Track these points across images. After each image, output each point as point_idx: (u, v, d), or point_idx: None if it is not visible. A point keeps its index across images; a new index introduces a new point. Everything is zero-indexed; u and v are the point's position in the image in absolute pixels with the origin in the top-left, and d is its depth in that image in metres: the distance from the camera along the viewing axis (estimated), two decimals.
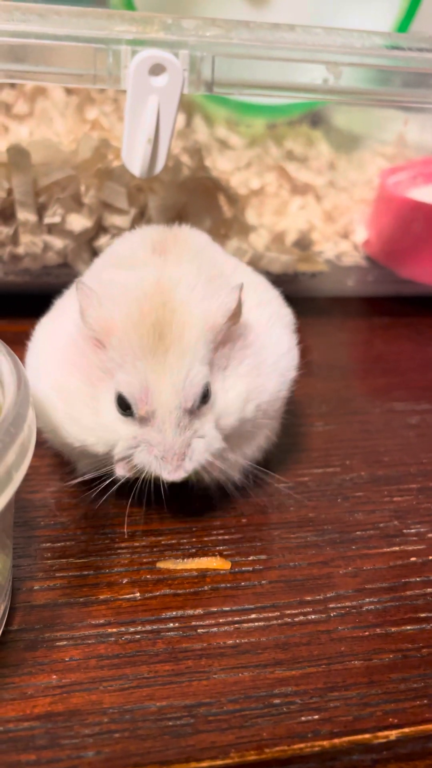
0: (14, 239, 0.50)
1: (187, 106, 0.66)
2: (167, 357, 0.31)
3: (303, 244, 0.59)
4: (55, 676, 0.28)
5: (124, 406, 0.32)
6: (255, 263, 0.55)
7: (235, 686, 0.28)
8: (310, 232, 0.61)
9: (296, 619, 0.32)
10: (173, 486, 0.36)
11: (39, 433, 0.37)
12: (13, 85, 0.62)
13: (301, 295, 0.59)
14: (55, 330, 0.37)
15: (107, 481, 0.34)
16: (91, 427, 0.33)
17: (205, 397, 0.32)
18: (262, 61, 0.44)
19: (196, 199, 0.51)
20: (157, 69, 0.41)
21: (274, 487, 0.39)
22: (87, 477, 0.35)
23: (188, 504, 0.37)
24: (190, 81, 0.43)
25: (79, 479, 0.36)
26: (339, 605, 0.32)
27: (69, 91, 0.62)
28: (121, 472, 0.34)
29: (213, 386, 0.33)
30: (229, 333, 0.34)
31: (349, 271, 0.61)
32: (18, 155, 0.48)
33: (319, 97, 0.47)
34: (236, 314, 0.34)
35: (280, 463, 0.41)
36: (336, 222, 0.63)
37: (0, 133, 0.58)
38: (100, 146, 0.50)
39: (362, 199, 0.64)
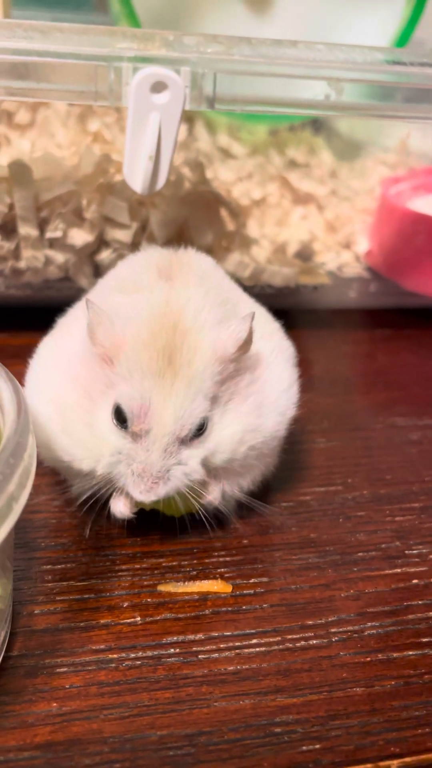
0: (16, 253, 0.50)
1: (189, 114, 0.66)
2: (174, 381, 0.31)
3: (305, 254, 0.59)
4: (55, 704, 0.28)
5: (120, 418, 0.32)
6: (257, 276, 0.55)
7: (236, 714, 0.28)
8: (312, 242, 0.61)
9: (297, 644, 0.31)
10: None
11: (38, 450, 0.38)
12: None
13: (303, 307, 0.59)
14: (57, 348, 0.37)
15: (104, 500, 0.34)
16: (81, 439, 0.33)
17: (200, 429, 0.32)
18: (264, 77, 0.43)
19: (197, 213, 0.51)
20: (158, 86, 0.41)
21: (275, 507, 0.39)
22: (82, 497, 0.35)
23: (189, 525, 0.37)
24: (191, 97, 0.42)
25: (77, 500, 0.36)
26: (341, 630, 0.32)
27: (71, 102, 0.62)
28: (121, 509, 0.34)
29: (211, 420, 0.33)
30: (238, 365, 0.34)
31: (350, 283, 0.60)
32: (20, 170, 0.48)
33: (320, 113, 0.47)
34: (246, 344, 0.33)
35: (282, 481, 0.41)
36: (338, 232, 0.63)
37: (2, 144, 0.58)
38: (102, 161, 0.50)
39: (364, 209, 0.64)
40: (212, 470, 0.34)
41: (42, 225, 0.49)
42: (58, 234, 0.49)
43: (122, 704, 0.28)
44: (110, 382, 0.33)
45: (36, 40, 0.40)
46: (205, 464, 0.33)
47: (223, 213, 0.53)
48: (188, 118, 0.65)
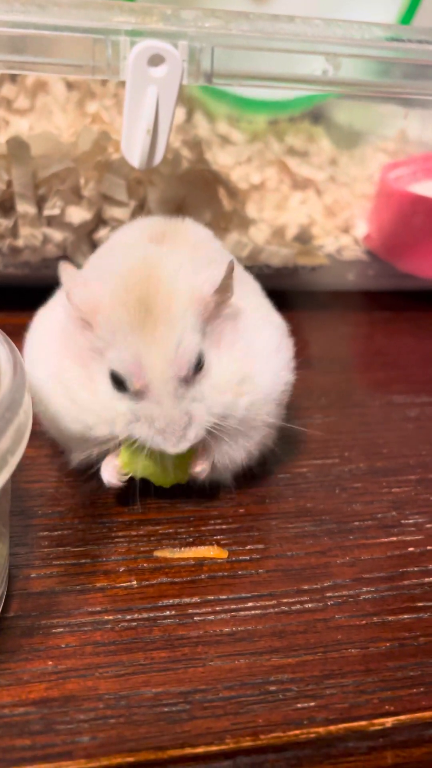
0: (14, 231, 0.50)
1: (187, 103, 0.66)
2: (157, 328, 0.31)
3: (303, 238, 0.59)
4: (51, 662, 0.28)
5: (118, 382, 0.32)
6: (255, 257, 0.55)
7: (231, 673, 0.28)
8: (311, 226, 0.61)
9: (293, 608, 0.31)
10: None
11: (37, 422, 0.38)
12: (14, 80, 0.62)
13: (301, 288, 0.59)
14: (50, 319, 0.37)
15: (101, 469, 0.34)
16: (90, 407, 0.33)
17: (199, 364, 0.32)
18: (262, 52, 0.44)
19: (195, 192, 0.51)
20: (156, 59, 0.41)
21: (272, 478, 0.39)
22: (80, 466, 0.35)
23: (186, 494, 0.37)
24: (189, 72, 0.43)
25: (75, 470, 0.36)
26: (336, 594, 0.32)
27: (70, 86, 0.62)
28: (108, 478, 0.34)
29: (207, 356, 0.33)
30: (219, 311, 0.34)
31: (349, 266, 0.60)
32: (18, 147, 0.48)
33: (318, 89, 0.47)
34: (224, 289, 0.33)
35: (279, 454, 0.41)
36: (337, 216, 0.63)
37: (1, 127, 0.58)
38: (100, 138, 0.50)
39: (363, 194, 0.64)
40: (205, 440, 0.33)
41: (40, 203, 0.49)
42: (56, 212, 0.49)
43: (118, 663, 0.28)
44: (95, 347, 0.32)
45: (33, 13, 0.40)
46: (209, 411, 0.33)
47: (222, 193, 0.53)
48: (187, 106, 0.65)
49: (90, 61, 0.42)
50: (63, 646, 0.29)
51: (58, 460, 0.39)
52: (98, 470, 0.35)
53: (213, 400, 0.32)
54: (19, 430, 0.25)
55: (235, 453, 0.36)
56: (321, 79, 0.45)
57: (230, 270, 0.33)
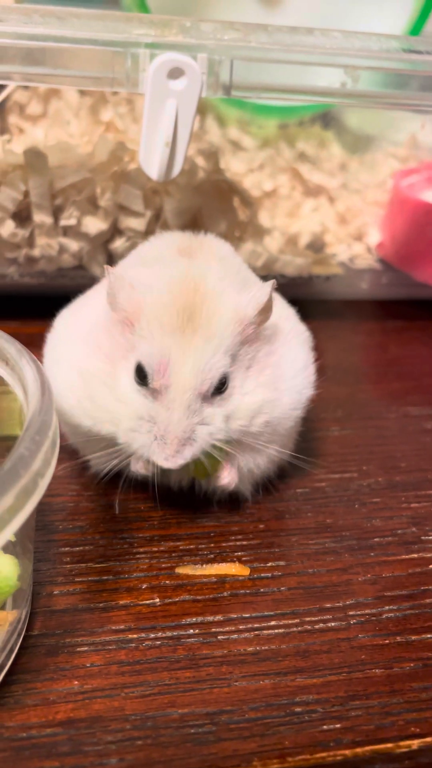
0: (30, 241, 0.50)
1: (200, 108, 0.66)
2: (194, 337, 0.32)
3: (316, 246, 0.59)
4: (76, 682, 0.28)
5: (141, 375, 0.32)
6: (269, 266, 0.55)
7: (256, 694, 0.28)
8: (323, 234, 0.61)
9: (316, 627, 0.31)
10: (190, 492, 0.36)
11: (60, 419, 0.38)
12: (26, 86, 0.62)
13: (315, 297, 0.59)
14: (77, 320, 0.37)
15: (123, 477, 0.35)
16: (104, 402, 0.33)
17: (222, 387, 0.32)
18: (281, 64, 0.43)
19: (211, 202, 0.51)
20: (175, 72, 0.41)
21: (291, 493, 0.39)
22: (101, 472, 0.35)
23: (205, 507, 0.37)
24: (208, 84, 0.43)
25: (95, 477, 0.36)
26: (358, 613, 0.32)
27: (83, 93, 0.62)
28: (137, 468, 0.34)
29: (232, 381, 0.33)
30: (257, 333, 0.34)
31: (362, 274, 0.60)
32: (35, 158, 0.48)
33: (336, 101, 0.47)
34: (266, 310, 0.34)
35: (297, 467, 0.41)
36: (349, 224, 0.63)
37: (14, 134, 0.58)
38: (116, 149, 0.50)
39: (375, 201, 0.64)
40: (227, 451, 0.34)
41: (56, 213, 0.49)
42: (72, 222, 0.49)
43: (143, 683, 0.28)
44: (131, 346, 0.33)
45: (53, 25, 0.40)
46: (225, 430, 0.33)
47: (237, 202, 0.53)
48: (200, 112, 0.65)
49: (109, 74, 0.42)
50: (88, 665, 0.29)
51: (77, 473, 0.39)
52: (117, 483, 0.35)
53: (221, 426, 0.32)
54: (48, 453, 0.25)
55: (254, 464, 0.36)
56: (339, 91, 0.45)
57: (272, 290, 0.34)
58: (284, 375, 0.35)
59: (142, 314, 0.32)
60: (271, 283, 0.34)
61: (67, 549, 0.34)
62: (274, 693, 0.28)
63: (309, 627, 0.31)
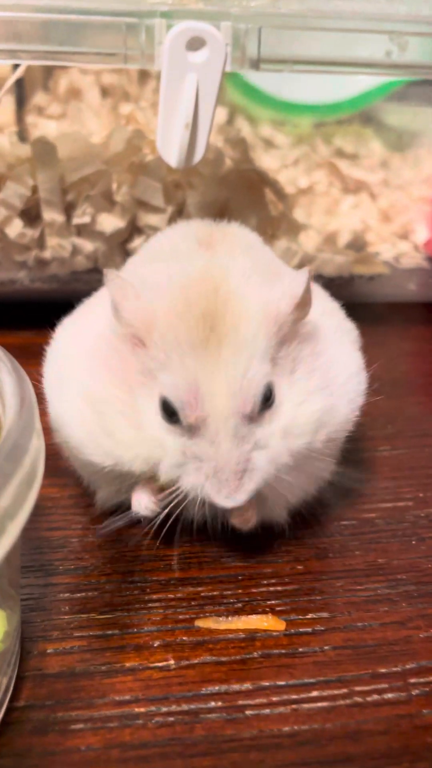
0: (40, 242, 0.45)
1: (229, 107, 0.61)
2: (221, 352, 0.26)
3: (357, 245, 0.54)
4: None
5: (169, 412, 0.27)
6: (306, 265, 0.49)
7: None
8: (365, 232, 0.55)
9: (369, 699, 0.25)
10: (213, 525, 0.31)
11: (60, 457, 0.33)
12: (46, 89, 0.58)
13: (358, 300, 0.52)
14: (81, 331, 0.32)
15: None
16: (128, 441, 0.27)
17: (268, 400, 0.27)
18: (315, 32, 0.38)
19: (239, 195, 0.46)
20: (195, 43, 0.36)
21: (334, 526, 0.33)
22: (106, 505, 0.30)
23: (233, 545, 0.31)
24: (233, 57, 0.38)
25: (102, 511, 0.31)
26: (422, 680, 0.26)
27: (105, 92, 0.58)
28: (139, 508, 0.29)
29: (278, 389, 0.27)
30: (296, 330, 0.28)
31: (410, 274, 0.55)
32: (43, 149, 0.43)
33: (381, 73, 0.41)
34: (303, 304, 0.28)
35: (341, 496, 0.35)
36: (393, 221, 0.58)
37: (32, 135, 0.54)
38: (133, 138, 0.45)
39: (421, 197, 0.58)
40: None
41: (68, 210, 0.45)
42: (86, 219, 0.45)
43: None
44: (146, 369, 0.27)
45: None
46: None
47: (268, 195, 0.48)
48: (229, 111, 0.61)
49: (122, 49, 0.37)
50: (83, 748, 0.23)
51: (84, 501, 0.34)
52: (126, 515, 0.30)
53: (280, 447, 0.27)
54: (23, 485, 0.20)
55: (294, 482, 0.29)
56: (384, 62, 0.39)
57: (309, 280, 0.28)
58: (336, 380, 0.29)
59: (155, 329, 0.27)
60: (306, 271, 0.28)
61: (66, 595, 0.29)
62: None
63: (360, 699, 0.25)
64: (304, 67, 0.39)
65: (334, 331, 0.31)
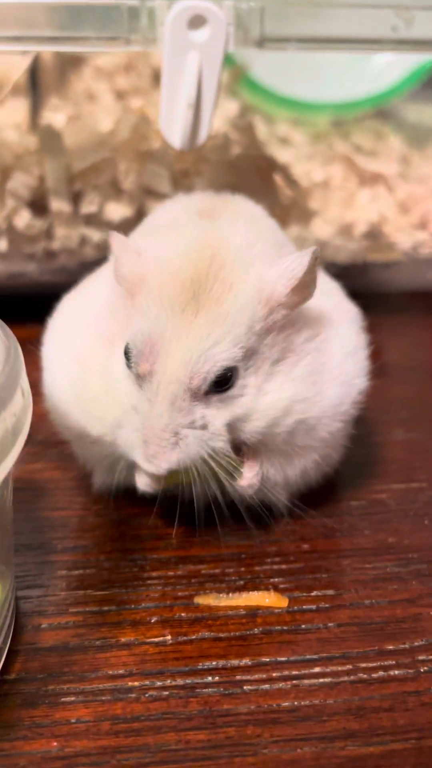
0: (48, 233, 0.45)
1: (245, 107, 0.61)
2: (196, 318, 0.25)
3: (373, 235, 0.52)
4: (56, 743, 0.22)
5: (128, 357, 0.26)
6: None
7: (292, 766, 0.21)
8: (382, 224, 0.54)
9: (374, 675, 0.24)
10: (215, 504, 0.30)
11: (63, 441, 0.32)
12: (61, 95, 0.59)
13: (373, 289, 0.51)
14: (80, 303, 0.32)
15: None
16: (96, 396, 0.27)
17: (224, 384, 0.26)
18: (320, 9, 0.38)
19: (248, 181, 0.45)
20: (197, 21, 0.36)
21: (343, 506, 0.32)
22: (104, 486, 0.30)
23: (235, 523, 0.30)
24: (236, 37, 0.37)
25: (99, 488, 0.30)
26: (431, 657, 0.25)
27: (119, 95, 0.58)
28: (142, 485, 0.28)
29: (244, 378, 0.26)
30: (292, 316, 0.27)
31: (428, 263, 0.53)
32: (49, 137, 0.43)
33: (387, 49, 0.41)
34: (304, 288, 0.27)
35: (352, 477, 0.34)
36: (411, 212, 0.56)
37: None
38: (140, 124, 0.45)
39: None
40: (249, 448, 0.27)
41: (76, 199, 0.45)
42: (94, 208, 0.45)
43: (142, 747, 0.22)
44: (129, 320, 0.27)
45: None
46: (234, 433, 0.26)
47: (279, 181, 0.47)
48: (245, 110, 0.61)
49: (125, 33, 0.37)
50: (73, 720, 0.22)
51: (85, 483, 0.33)
52: (129, 496, 0.29)
53: (217, 432, 0.26)
54: (4, 439, 0.19)
55: (288, 470, 0.29)
56: (391, 37, 0.39)
57: (314, 260, 0.27)
58: (328, 363, 0.28)
59: (145, 285, 0.27)
60: (311, 251, 0.27)
61: (64, 572, 0.28)
62: (317, 765, 0.21)
63: (365, 675, 0.24)
64: (309, 46, 0.39)
65: (332, 311, 0.30)
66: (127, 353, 0.26)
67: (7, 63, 0.48)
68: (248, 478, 0.28)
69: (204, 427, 0.26)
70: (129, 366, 0.26)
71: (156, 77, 0.58)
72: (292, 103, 0.63)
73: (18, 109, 0.53)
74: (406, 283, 0.53)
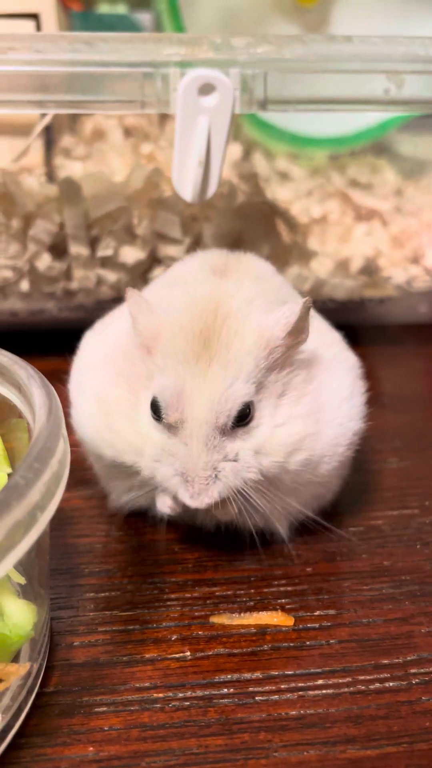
0: (67, 274, 0.49)
1: (246, 144, 0.64)
2: (210, 366, 0.29)
3: (369, 270, 0.56)
4: (92, 748, 0.25)
5: (156, 410, 0.30)
6: (317, 290, 0.52)
7: (299, 767, 0.24)
8: (377, 258, 0.58)
9: (371, 687, 0.27)
10: (227, 531, 0.33)
11: (86, 468, 0.35)
12: (72, 132, 0.62)
13: (369, 323, 0.55)
14: (100, 342, 0.35)
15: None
16: (124, 433, 0.31)
17: (244, 418, 0.29)
18: (318, 74, 0.41)
19: (253, 226, 0.49)
20: (206, 89, 0.39)
21: (342, 532, 0.35)
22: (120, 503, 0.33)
23: (245, 549, 0.33)
24: (242, 100, 0.41)
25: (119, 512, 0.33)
26: (422, 670, 0.28)
27: (128, 133, 0.62)
28: (163, 508, 0.32)
29: (259, 410, 0.30)
30: (290, 357, 0.31)
31: (421, 297, 0.56)
32: (69, 188, 0.47)
33: (380, 109, 0.44)
34: (298, 331, 0.30)
35: (350, 503, 0.37)
36: (404, 247, 0.60)
37: (59, 176, 0.58)
38: (152, 175, 0.48)
39: None
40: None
41: (93, 244, 0.48)
42: (109, 252, 0.48)
43: (167, 751, 0.25)
44: (150, 373, 0.31)
45: (81, 51, 0.39)
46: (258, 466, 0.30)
47: (280, 225, 0.51)
48: (245, 147, 0.64)
49: (140, 96, 0.41)
50: (106, 728, 0.25)
51: (107, 512, 0.36)
52: (149, 525, 0.33)
53: (249, 463, 0.29)
54: (51, 483, 0.22)
55: (289, 503, 0.32)
56: (383, 98, 0.42)
57: (306, 309, 0.30)
58: (326, 405, 0.32)
59: (159, 340, 0.30)
60: (304, 302, 0.30)
61: (91, 594, 0.31)
62: (321, 767, 0.24)
63: (363, 687, 0.27)
64: (309, 107, 0.42)
65: (331, 359, 0.33)
66: (154, 406, 0.30)
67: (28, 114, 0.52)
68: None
69: (236, 458, 0.29)
70: (158, 418, 0.29)
71: (163, 117, 0.62)
72: (292, 137, 0.66)
73: (33, 148, 0.57)
74: (399, 316, 0.56)
